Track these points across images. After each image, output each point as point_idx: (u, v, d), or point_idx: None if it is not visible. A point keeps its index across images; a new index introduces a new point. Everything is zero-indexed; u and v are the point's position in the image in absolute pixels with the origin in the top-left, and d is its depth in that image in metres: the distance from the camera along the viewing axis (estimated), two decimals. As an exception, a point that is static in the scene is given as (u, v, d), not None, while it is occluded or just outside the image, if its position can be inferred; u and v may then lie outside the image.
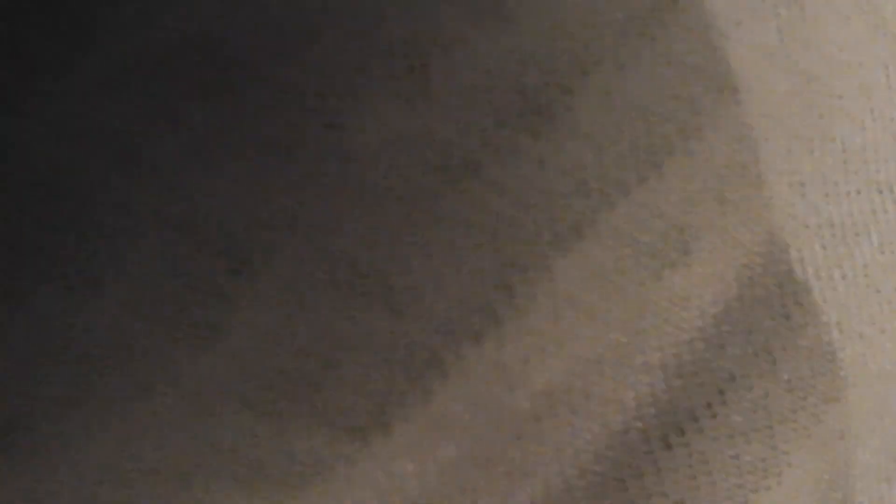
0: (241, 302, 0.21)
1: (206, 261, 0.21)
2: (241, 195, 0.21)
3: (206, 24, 0.21)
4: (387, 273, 0.22)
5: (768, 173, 0.27)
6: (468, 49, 0.22)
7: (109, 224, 0.20)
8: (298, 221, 0.21)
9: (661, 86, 0.24)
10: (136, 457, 0.21)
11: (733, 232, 0.26)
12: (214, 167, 0.21)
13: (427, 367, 0.23)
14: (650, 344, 0.26)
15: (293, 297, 0.22)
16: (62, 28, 0.20)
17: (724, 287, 0.27)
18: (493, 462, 0.24)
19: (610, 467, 0.26)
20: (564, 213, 0.24)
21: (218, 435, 0.21)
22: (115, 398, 0.21)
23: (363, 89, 0.22)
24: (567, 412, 0.25)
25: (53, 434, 0.20)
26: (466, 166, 0.23)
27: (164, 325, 0.21)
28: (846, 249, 0.29)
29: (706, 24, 0.25)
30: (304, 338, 0.22)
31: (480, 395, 0.24)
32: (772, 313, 0.28)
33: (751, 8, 0.25)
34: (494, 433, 0.24)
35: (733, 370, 0.27)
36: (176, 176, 0.20)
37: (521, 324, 0.24)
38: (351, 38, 0.22)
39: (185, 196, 0.20)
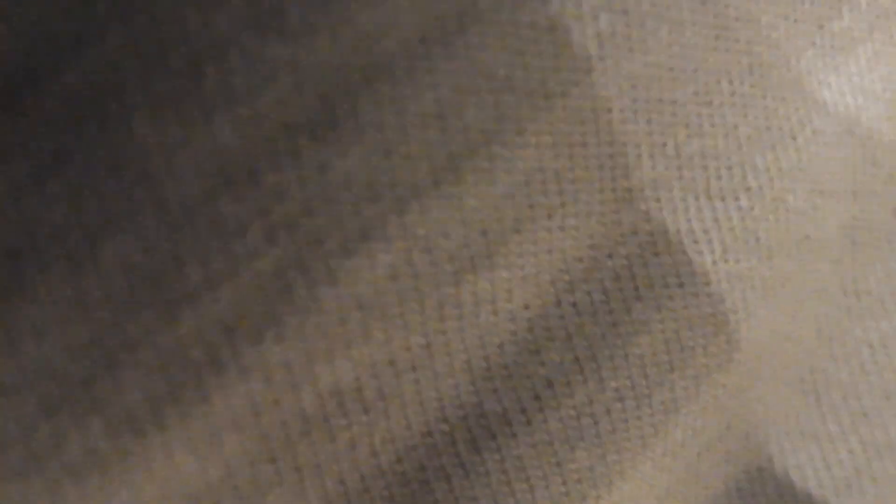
0: (19, 300, 0.22)
1: None
2: (14, 202, 0.22)
3: None
4: (163, 276, 0.23)
5: (589, 180, 0.26)
6: (245, 56, 0.22)
7: None
8: (72, 228, 0.22)
9: (462, 94, 0.24)
10: None
11: (544, 237, 0.26)
12: None
13: (205, 366, 0.23)
14: (453, 347, 0.26)
15: (71, 299, 0.22)
16: None
17: (539, 291, 0.27)
18: (281, 459, 0.25)
19: (413, 468, 0.26)
20: (350, 217, 0.24)
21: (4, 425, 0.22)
22: None
23: (139, 94, 0.22)
24: (359, 412, 0.25)
25: None
26: (246, 173, 0.23)
27: None
28: (683, 258, 0.28)
29: (515, 32, 0.25)
30: (82, 338, 0.22)
31: (263, 394, 0.24)
32: (596, 320, 0.27)
33: (571, 11, 0.25)
34: (281, 431, 0.24)
35: (551, 376, 0.27)
36: None
37: (304, 325, 0.24)
38: (129, 42, 0.22)
39: None
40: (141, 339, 0.22)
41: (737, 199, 0.28)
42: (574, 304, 0.27)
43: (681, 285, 0.28)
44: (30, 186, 0.21)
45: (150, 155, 0.22)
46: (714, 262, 0.28)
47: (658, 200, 0.27)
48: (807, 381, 0.32)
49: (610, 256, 0.27)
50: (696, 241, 0.28)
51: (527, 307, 0.26)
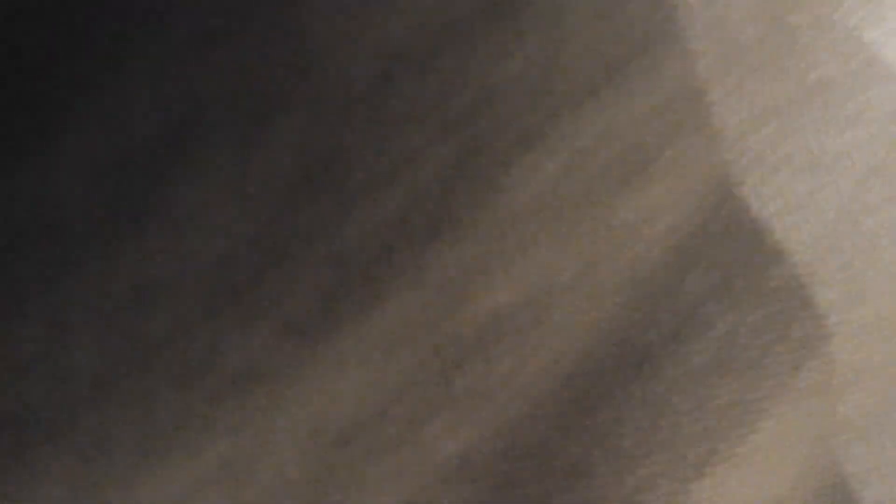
0: (184, 189, 0.21)
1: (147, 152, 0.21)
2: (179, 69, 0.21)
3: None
4: (336, 165, 0.22)
5: (722, 102, 0.26)
6: None
7: None
8: (241, 103, 0.21)
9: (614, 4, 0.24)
10: (68, 351, 0.20)
11: (692, 154, 0.26)
12: None
13: (379, 266, 0.22)
14: (606, 268, 0.25)
15: (239, 185, 0.21)
16: None
17: (683, 215, 0.26)
18: (441, 386, 0.24)
19: (566, 399, 0.25)
20: (512, 123, 0.23)
21: (151, 329, 0.20)
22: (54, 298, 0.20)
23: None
24: (515, 335, 0.24)
25: None
26: (419, 66, 0.22)
27: (105, 208, 0.20)
28: (815, 185, 0.28)
29: None
30: (248, 228, 0.21)
31: (437, 303, 0.23)
32: (731, 249, 0.27)
33: None
34: (442, 353, 0.23)
35: (694, 305, 0.27)
36: None
37: (467, 235, 0.23)
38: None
39: None
40: (316, 232, 0.21)
41: (855, 127, 0.28)
42: (714, 232, 0.27)
43: (816, 215, 0.28)
44: (202, 50, 0.21)
45: (323, 45, 0.21)
46: (839, 192, 0.28)
47: (782, 128, 0.27)
48: None
49: (741, 184, 0.27)
50: (820, 171, 0.28)
51: (673, 230, 0.26)
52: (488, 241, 0.23)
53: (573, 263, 0.25)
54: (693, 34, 0.25)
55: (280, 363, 0.21)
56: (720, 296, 0.27)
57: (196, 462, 0.21)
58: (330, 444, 0.23)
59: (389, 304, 0.22)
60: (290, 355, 0.22)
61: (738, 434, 0.27)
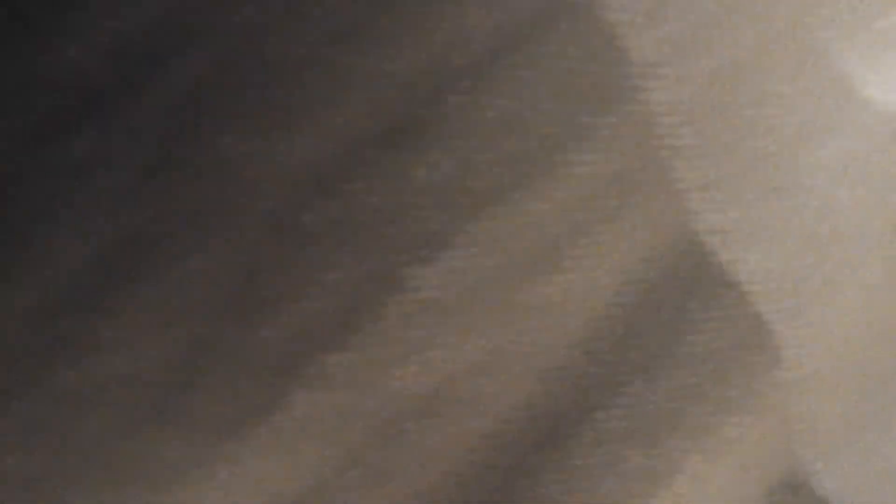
0: (115, 320, 0.22)
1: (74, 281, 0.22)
2: (110, 214, 0.22)
3: None
4: (246, 287, 0.23)
5: (646, 182, 0.27)
6: (326, 69, 0.23)
7: None
8: (161, 240, 0.22)
9: (534, 101, 0.25)
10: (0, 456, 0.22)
11: (609, 239, 0.27)
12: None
13: (288, 375, 0.24)
14: (517, 349, 0.26)
15: (167, 313, 0.22)
16: None
17: (601, 294, 0.27)
18: (362, 464, 0.25)
19: (481, 471, 0.27)
20: (426, 224, 0.24)
21: (86, 437, 0.22)
22: None
23: (224, 109, 0.22)
24: (431, 416, 0.26)
25: None
26: (325, 183, 0.23)
27: (41, 335, 0.22)
28: (733, 256, 0.29)
29: (599, 29, 0.25)
30: (172, 349, 0.23)
31: (343, 401, 0.24)
32: (652, 319, 0.28)
33: (654, 5, 0.26)
34: (361, 437, 0.25)
35: (608, 376, 0.28)
36: None
37: (380, 332, 0.24)
38: (212, 60, 0.22)
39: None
40: (224, 348, 0.23)
41: (789, 197, 0.29)
42: (636, 306, 0.28)
43: (729, 285, 0.29)
44: (125, 197, 0.22)
45: (233, 169, 0.22)
46: (766, 260, 0.29)
47: (711, 201, 0.28)
48: (868, 378, 0.33)
49: (664, 257, 0.28)
50: (747, 240, 0.29)
51: (591, 309, 0.27)
52: (395, 336, 0.24)
53: (486, 346, 0.26)
54: (607, 132, 0.26)
55: (203, 462, 0.23)
56: (636, 366, 0.28)
57: None
58: None
59: (297, 404, 0.24)
60: (208, 456, 0.23)
61: (651, 493, 0.29)
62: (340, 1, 0.22)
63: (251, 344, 0.23)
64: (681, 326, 0.28)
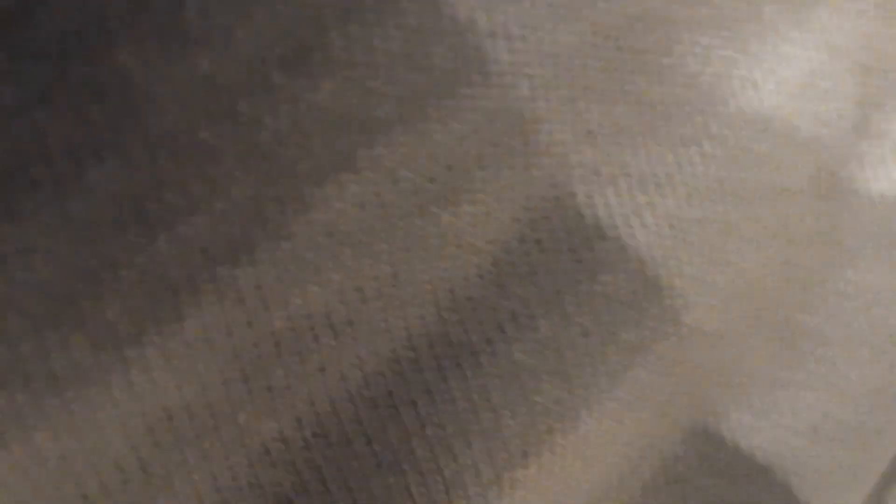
0: (8, 222, 0.24)
1: None
2: (2, 129, 0.23)
3: None
4: (144, 199, 0.24)
5: (548, 120, 0.28)
6: None
7: None
8: (59, 154, 0.23)
9: (428, 35, 0.26)
10: None
11: (507, 174, 0.27)
12: None
13: (182, 287, 0.25)
14: (420, 277, 0.27)
15: (57, 220, 0.24)
16: None
17: (503, 227, 0.28)
18: (254, 379, 0.26)
19: (381, 393, 0.28)
20: (321, 148, 0.25)
21: None
22: None
23: (122, 28, 0.24)
24: (329, 336, 0.27)
25: None
26: (225, 102, 0.24)
27: None
28: (645, 198, 0.29)
29: None
30: (66, 258, 0.24)
31: (236, 316, 0.25)
32: (559, 258, 0.29)
33: None
34: (253, 352, 0.26)
35: (516, 309, 0.28)
36: None
37: (277, 251, 0.25)
38: None
39: None
40: (122, 259, 0.24)
41: (700, 145, 0.29)
42: (538, 241, 0.28)
43: (644, 226, 0.29)
44: (19, 114, 0.23)
45: (132, 86, 0.23)
46: (679, 207, 0.29)
47: (619, 144, 0.29)
48: (783, 329, 0.33)
49: (573, 195, 0.28)
50: (658, 185, 0.29)
51: (491, 242, 0.28)
52: (295, 255, 0.25)
53: (387, 271, 0.27)
54: (516, 60, 0.27)
55: (96, 368, 0.24)
56: (546, 299, 0.29)
57: (21, 449, 0.24)
58: (150, 429, 0.26)
59: (191, 318, 0.25)
60: (104, 362, 0.24)
61: (559, 429, 0.29)
62: None
63: (151, 257, 0.24)
64: (588, 267, 0.29)
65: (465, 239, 0.27)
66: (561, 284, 0.28)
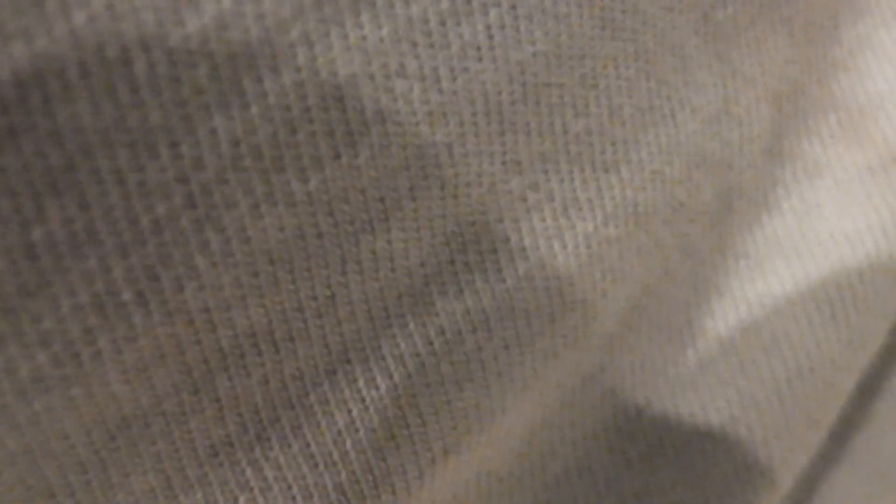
0: None
1: None
2: None
3: None
4: (98, 230, 0.26)
5: (477, 153, 0.30)
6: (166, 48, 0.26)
7: None
8: (21, 190, 0.25)
9: (357, 77, 0.28)
10: None
11: (437, 203, 0.30)
12: None
13: (134, 307, 0.27)
14: (356, 297, 0.30)
15: (18, 249, 0.26)
16: None
17: (433, 251, 0.30)
18: (202, 389, 0.29)
19: (318, 400, 0.30)
20: (259, 184, 0.27)
21: None
22: None
23: (80, 81, 0.25)
24: (271, 350, 0.29)
25: None
26: (166, 145, 0.26)
27: None
28: (567, 222, 0.32)
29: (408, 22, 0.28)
30: (27, 279, 0.26)
31: (185, 334, 0.28)
32: (486, 277, 0.31)
33: (462, 8, 0.29)
34: (203, 367, 0.28)
35: (444, 325, 0.31)
36: None
37: (221, 275, 0.28)
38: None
39: None
40: (80, 283, 0.26)
41: (618, 171, 0.32)
42: (465, 263, 0.31)
43: (564, 247, 0.32)
44: None
45: (87, 131, 0.25)
46: (596, 229, 0.32)
47: (546, 172, 0.31)
48: (685, 333, 0.36)
49: (500, 220, 0.31)
50: (580, 209, 0.32)
51: (423, 264, 0.30)
52: (239, 280, 0.28)
53: (325, 292, 0.29)
54: (444, 101, 0.29)
55: (60, 380, 0.27)
56: (472, 317, 0.31)
57: None
58: (110, 432, 0.28)
59: (145, 337, 0.27)
60: (67, 375, 0.27)
61: (477, 429, 0.32)
62: None
63: (104, 281, 0.26)
64: (513, 286, 0.31)
65: (396, 262, 0.30)
66: (486, 302, 0.31)
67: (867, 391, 0.41)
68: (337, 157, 0.27)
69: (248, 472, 0.30)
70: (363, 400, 0.30)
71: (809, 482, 0.41)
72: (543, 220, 0.31)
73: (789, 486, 0.37)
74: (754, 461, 0.36)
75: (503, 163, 0.30)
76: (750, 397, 0.36)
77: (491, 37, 0.28)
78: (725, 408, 0.36)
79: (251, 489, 0.30)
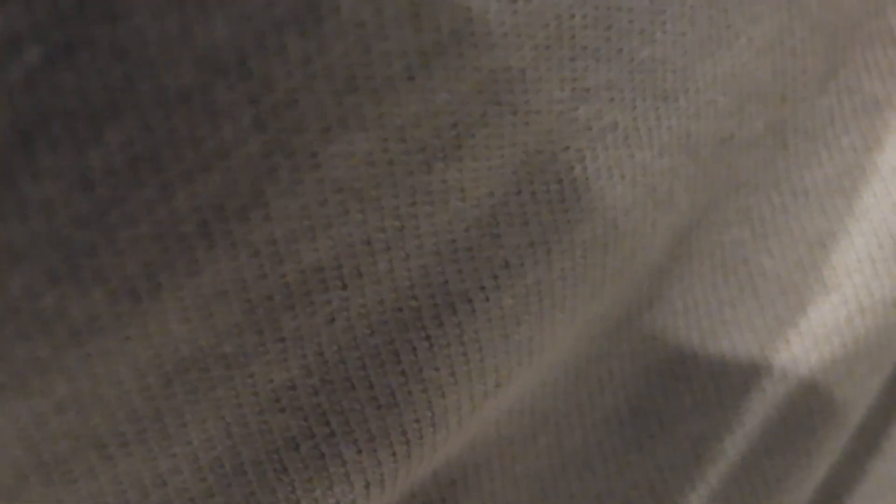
0: (30, 175, 0.24)
1: None
2: (27, 86, 0.23)
3: None
4: (160, 156, 0.25)
5: (548, 79, 0.29)
6: None
7: None
8: (79, 112, 0.24)
9: None
10: None
11: (509, 130, 0.28)
12: None
13: (197, 240, 0.25)
14: (424, 229, 0.28)
15: (77, 175, 0.24)
16: None
17: (501, 181, 0.29)
18: (266, 329, 0.27)
19: (384, 340, 0.29)
20: (332, 107, 0.26)
21: (11, 291, 0.24)
22: None
23: None
24: (338, 287, 0.28)
25: None
26: (237, 64, 0.25)
27: None
28: (627, 151, 0.31)
29: None
30: (82, 209, 0.24)
31: (249, 268, 0.26)
32: (551, 208, 0.30)
33: None
34: (268, 304, 0.27)
35: (509, 258, 0.30)
36: None
37: (288, 204, 0.26)
38: None
39: None
40: (140, 213, 0.25)
41: (676, 100, 0.31)
42: (533, 193, 0.30)
43: (623, 177, 0.31)
44: (42, 72, 0.23)
45: (150, 45, 0.24)
46: (652, 159, 0.31)
47: (612, 100, 0.30)
48: (741, 272, 0.35)
49: (566, 149, 0.30)
50: (639, 139, 0.31)
51: (491, 194, 0.29)
52: (307, 210, 0.26)
53: (394, 224, 0.28)
54: (518, 22, 0.28)
55: (115, 319, 0.25)
56: (535, 248, 0.30)
57: (41, 399, 0.25)
58: (167, 378, 0.27)
59: (206, 272, 0.26)
60: (123, 313, 0.25)
61: (527, 361, 0.31)
62: None
63: (168, 212, 0.25)
64: (574, 217, 0.30)
65: (467, 192, 0.28)
66: (549, 234, 0.30)
67: None
68: (411, 78, 0.26)
69: (312, 417, 0.28)
70: (428, 338, 0.29)
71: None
72: (606, 149, 0.30)
73: (856, 424, 0.37)
74: (817, 405, 0.35)
75: (573, 90, 0.29)
76: (810, 334, 0.35)
77: None
78: (786, 348, 0.35)
79: (314, 437, 0.29)
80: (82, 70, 0.23)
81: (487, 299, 0.29)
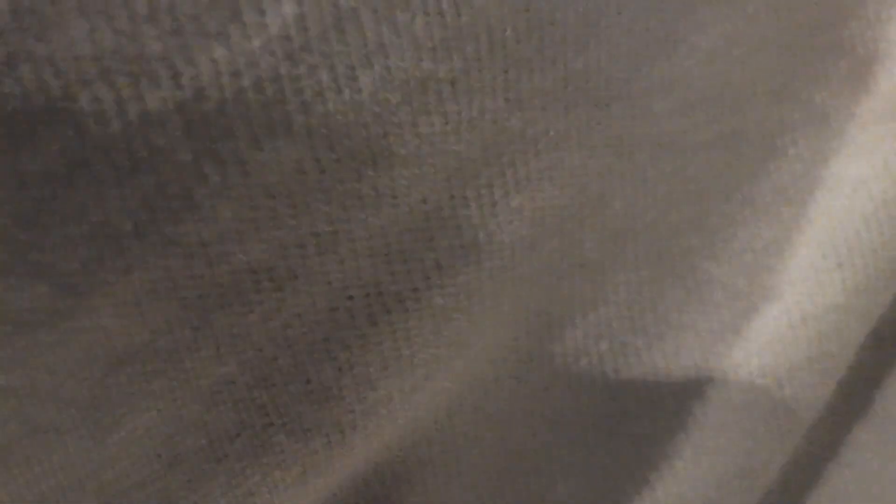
0: None
1: None
2: None
3: None
4: (93, 159, 0.26)
5: (480, 89, 0.30)
6: None
7: None
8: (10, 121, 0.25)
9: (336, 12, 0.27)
10: None
11: (440, 139, 0.29)
12: None
13: (131, 244, 0.27)
14: (357, 234, 0.29)
15: (13, 180, 0.25)
16: None
17: (434, 188, 0.30)
18: (200, 327, 0.28)
19: (319, 338, 0.30)
20: (259, 114, 0.27)
21: None
22: None
23: None
24: (272, 288, 0.29)
25: None
26: (167, 75, 0.26)
27: None
28: (557, 155, 0.32)
29: None
30: (26, 211, 0.26)
31: (181, 268, 0.28)
32: (482, 212, 0.31)
33: None
34: (199, 303, 0.28)
35: (441, 260, 0.31)
36: None
37: (219, 208, 0.27)
38: None
39: None
40: (73, 215, 0.26)
41: (609, 106, 0.32)
42: (465, 198, 0.31)
43: (552, 179, 0.32)
44: None
45: (85, 60, 0.25)
46: (583, 161, 0.32)
47: (545, 109, 0.31)
48: (689, 279, 0.36)
49: (499, 156, 0.31)
50: (571, 143, 0.31)
51: (424, 201, 0.30)
52: (238, 214, 0.28)
53: (327, 228, 0.29)
54: (447, 36, 0.28)
55: (53, 313, 0.27)
56: (467, 250, 0.31)
57: None
58: (102, 371, 0.28)
59: (139, 270, 0.27)
60: (63, 307, 0.27)
61: (457, 354, 0.32)
62: None
63: (101, 213, 0.26)
64: (496, 219, 0.31)
65: (399, 199, 0.29)
66: (480, 235, 0.31)
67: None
68: (339, 90, 0.27)
69: (250, 411, 0.30)
70: (362, 337, 0.30)
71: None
72: (538, 154, 0.30)
73: (812, 422, 0.37)
74: (758, 410, 0.36)
75: (506, 100, 0.29)
76: (753, 340, 0.36)
77: None
78: (728, 354, 0.36)
79: (253, 427, 0.30)
80: (23, 80, 0.25)
81: (419, 299, 0.30)
